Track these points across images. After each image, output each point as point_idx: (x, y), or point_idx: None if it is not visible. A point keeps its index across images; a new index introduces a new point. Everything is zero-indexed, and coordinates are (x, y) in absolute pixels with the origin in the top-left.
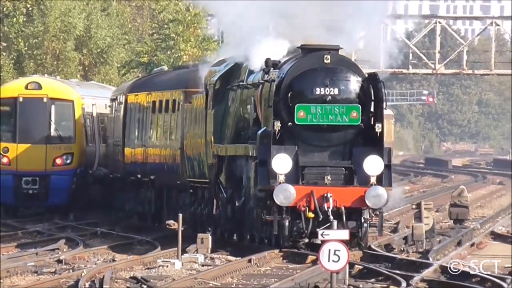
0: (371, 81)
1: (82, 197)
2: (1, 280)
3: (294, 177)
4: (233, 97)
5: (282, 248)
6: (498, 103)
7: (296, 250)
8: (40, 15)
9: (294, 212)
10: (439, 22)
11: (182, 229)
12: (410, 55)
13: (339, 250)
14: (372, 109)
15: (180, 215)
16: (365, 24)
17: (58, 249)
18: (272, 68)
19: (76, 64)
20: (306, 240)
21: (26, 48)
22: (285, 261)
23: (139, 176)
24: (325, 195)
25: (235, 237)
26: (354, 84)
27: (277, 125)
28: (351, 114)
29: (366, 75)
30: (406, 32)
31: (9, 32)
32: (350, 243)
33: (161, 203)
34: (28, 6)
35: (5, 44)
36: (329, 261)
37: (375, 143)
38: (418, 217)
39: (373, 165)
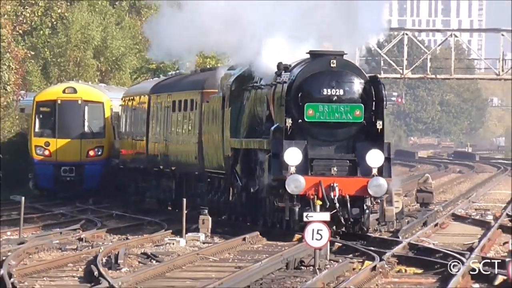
0: (373, 83)
1: (110, 183)
2: (30, 256)
3: (304, 168)
4: (248, 97)
5: (292, 231)
6: (458, 103)
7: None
8: (63, 28)
9: (304, 199)
10: (406, 34)
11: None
12: (382, 62)
13: (321, 230)
14: (373, 108)
15: (184, 200)
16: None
17: (79, 228)
18: (283, 71)
19: (94, 70)
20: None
21: (51, 56)
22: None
23: (161, 167)
24: (332, 184)
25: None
26: (357, 85)
27: (289, 121)
28: (355, 112)
29: (368, 78)
30: (378, 43)
31: (37, 42)
32: (353, 227)
33: (181, 191)
34: (53, 20)
35: (33, 53)
36: (312, 239)
37: (376, 138)
38: (389, 201)
39: (374, 158)
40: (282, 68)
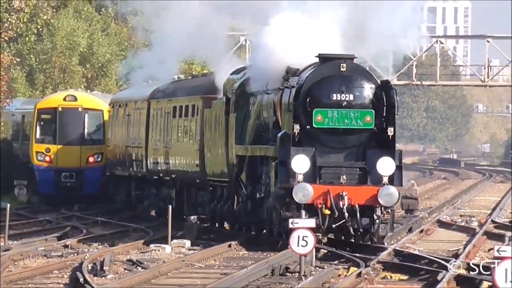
0: (384, 88)
1: (109, 188)
2: (15, 263)
3: (312, 176)
4: (254, 102)
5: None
6: (443, 109)
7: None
8: (49, 34)
9: (312, 209)
10: None
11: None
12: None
13: (307, 236)
14: (384, 114)
15: (170, 206)
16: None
17: (64, 235)
18: (290, 76)
19: (80, 76)
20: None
21: (37, 63)
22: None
23: (161, 175)
24: (341, 193)
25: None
26: (368, 90)
27: (296, 128)
28: (365, 118)
29: (379, 83)
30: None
31: (22, 49)
32: (362, 238)
33: (181, 200)
34: (39, 27)
35: (18, 60)
36: (298, 245)
37: (387, 146)
38: None
39: (385, 166)
40: (290, 72)
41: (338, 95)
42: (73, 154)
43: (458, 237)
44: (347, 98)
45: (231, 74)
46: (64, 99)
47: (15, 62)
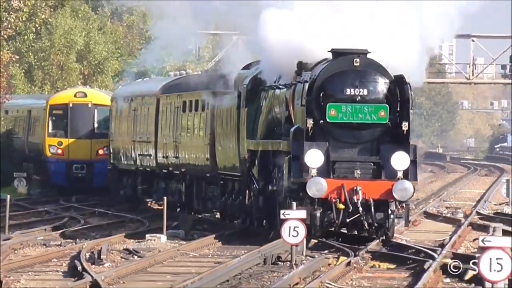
0: (398, 83)
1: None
2: (15, 252)
3: (326, 171)
4: (265, 97)
5: (313, 238)
6: (429, 106)
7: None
8: (47, 33)
9: (326, 203)
10: None
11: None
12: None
13: (297, 227)
14: (398, 109)
15: (165, 198)
16: None
17: (63, 225)
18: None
19: (77, 73)
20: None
21: (35, 60)
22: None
23: (170, 169)
24: (355, 188)
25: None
26: (382, 85)
27: (310, 122)
28: (379, 113)
29: (393, 77)
30: None
31: (21, 47)
32: (377, 233)
33: (191, 194)
34: (37, 25)
35: (17, 57)
36: (289, 236)
37: (401, 140)
38: None
39: (400, 160)
40: (303, 67)
41: (352, 89)
42: (84, 147)
43: (444, 228)
44: (361, 93)
45: (242, 69)
46: (75, 96)
47: (14, 59)
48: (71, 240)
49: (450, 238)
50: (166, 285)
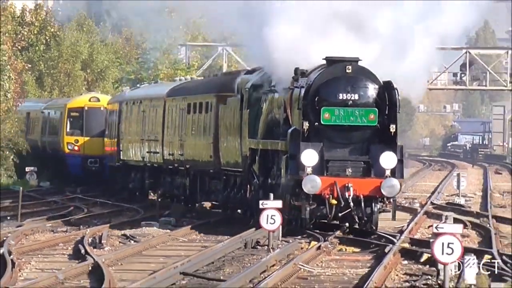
0: (386, 88)
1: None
2: (27, 237)
3: (320, 169)
4: (265, 100)
5: (305, 229)
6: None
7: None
8: (56, 44)
9: (319, 199)
10: None
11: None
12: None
13: (274, 215)
14: (386, 112)
15: (159, 190)
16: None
17: (68, 214)
18: (300, 76)
19: (82, 80)
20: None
21: (45, 69)
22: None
23: (176, 165)
24: (347, 185)
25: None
26: (371, 90)
27: (306, 124)
28: (369, 116)
29: (382, 83)
30: None
31: (33, 57)
32: (365, 225)
33: (195, 188)
34: (47, 38)
35: (30, 66)
36: (267, 223)
37: (389, 141)
38: None
39: (388, 160)
40: (300, 73)
41: (344, 94)
42: (97, 144)
43: (403, 216)
44: (352, 98)
45: (244, 74)
46: (90, 100)
47: (26, 68)
48: (76, 227)
49: (408, 225)
50: (159, 266)
